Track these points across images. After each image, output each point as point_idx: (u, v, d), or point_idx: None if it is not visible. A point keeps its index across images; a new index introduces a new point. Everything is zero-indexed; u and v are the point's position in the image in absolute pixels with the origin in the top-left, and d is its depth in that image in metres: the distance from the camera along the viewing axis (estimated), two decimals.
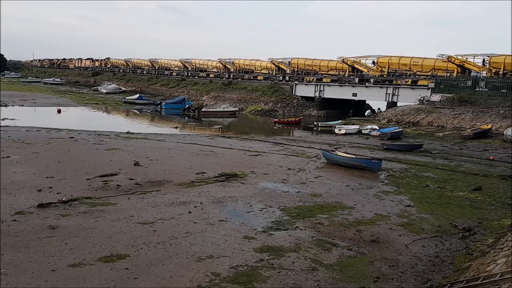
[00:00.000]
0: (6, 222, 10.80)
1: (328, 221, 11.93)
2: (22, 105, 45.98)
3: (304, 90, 51.52)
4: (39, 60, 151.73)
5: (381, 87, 44.62)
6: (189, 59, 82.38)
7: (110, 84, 75.85)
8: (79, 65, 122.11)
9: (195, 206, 12.76)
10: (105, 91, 70.43)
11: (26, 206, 12.14)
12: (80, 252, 9.22)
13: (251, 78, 62.43)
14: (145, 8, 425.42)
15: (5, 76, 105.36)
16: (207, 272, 8.54)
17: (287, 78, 56.21)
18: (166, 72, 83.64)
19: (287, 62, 61.69)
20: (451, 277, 8.55)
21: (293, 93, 52.23)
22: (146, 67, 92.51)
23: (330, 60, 56.08)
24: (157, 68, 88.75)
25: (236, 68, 70.80)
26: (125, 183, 15.04)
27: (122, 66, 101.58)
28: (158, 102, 52.77)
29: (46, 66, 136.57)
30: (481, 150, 25.08)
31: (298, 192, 14.91)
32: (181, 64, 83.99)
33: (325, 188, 15.66)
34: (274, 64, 63.26)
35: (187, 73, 77.32)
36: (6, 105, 43.96)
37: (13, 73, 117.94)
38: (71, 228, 10.66)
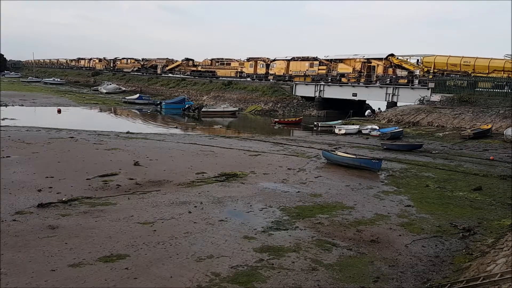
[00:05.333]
0: (6, 222, 10.80)
1: (328, 221, 11.93)
2: (22, 105, 45.97)
3: (304, 90, 51.49)
4: (90, 59, 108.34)
5: (381, 87, 44.60)
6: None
7: (110, 84, 75.70)
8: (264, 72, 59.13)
9: (195, 206, 12.76)
10: (105, 91, 70.36)
11: (26, 206, 12.14)
12: (80, 252, 9.22)
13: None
14: (145, 8, 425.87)
15: (5, 76, 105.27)
16: (207, 272, 8.55)
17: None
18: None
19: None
20: (451, 277, 8.55)
21: (293, 93, 52.19)
22: None
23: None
24: None
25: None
26: (125, 183, 15.04)
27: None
28: (158, 102, 52.76)
29: (132, 71, 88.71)
30: (481, 150, 25.06)
31: (298, 192, 14.91)
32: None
33: (325, 188, 15.66)
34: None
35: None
36: (6, 105, 43.94)
37: (13, 73, 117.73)
38: (71, 228, 10.66)
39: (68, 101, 53.34)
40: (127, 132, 28.19)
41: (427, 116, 34.68)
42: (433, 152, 24.50)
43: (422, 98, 38.82)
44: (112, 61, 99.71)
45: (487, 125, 30.20)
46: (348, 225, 11.68)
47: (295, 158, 21.50)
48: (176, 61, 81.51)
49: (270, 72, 58.07)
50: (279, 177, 17.01)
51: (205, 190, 14.65)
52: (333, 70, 50.33)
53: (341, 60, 50.26)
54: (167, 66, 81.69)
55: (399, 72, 44.80)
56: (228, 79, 62.88)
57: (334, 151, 21.86)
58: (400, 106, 40.79)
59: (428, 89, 39.97)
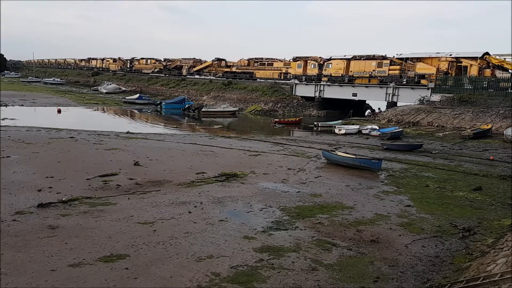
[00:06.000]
0: (6, 222, 10.79)
1: (328, 221, 11.92)
2: (22, 105, 45.97)
3: (304, 90, 51.50)
4: (103, 59, 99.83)
5: (381, 87, 44.59)
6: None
7: (110, 84, 75.72)
8: None
9: (195, 206, 12.76)
10: (105, 91, 70.41)
11: (26, 206, 12.14)
12: (80, 252, 9.22)
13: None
14: (145, 8, 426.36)
15: (5, 76, 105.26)
16: (207, 272, 8.54)
17: None
18: None
19: None
20: (451, 277, 8.55)
21: (293, 93, 52.21)
22: None
23: None
24: None
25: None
26: (125, 183, 15.03)
27: None
28: (158, 102, 52.78)
29: (152, 72, 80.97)
30: (481, 150, 25.06)
31: (298, 192, 14.91)
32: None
33: (325, 188, 15.65)
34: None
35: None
36: (6, 105, 43.95)
37: (13, 73, 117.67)
38: (71, 228, 10.66)
39: (68, 101, 53.34)
40: (127, 132, 28.20)
41: (427, 116, 34.68)
42: (433, 152, 24.50)
43: (422, 98, 38.82)
44: (128, 61, 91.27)
45: (487, 125, 30.19)
46: (348, 225, 11.68)
47: (295, 158, 21.49)
48: (205, 61, 74.34)
49: (324, 73, 49.93)
50: (279, 177, 17.01)
51: (205, 190, 14.64)
52: (409, 70, 43.27)
53: (419, 59, 43.04)
54: (194, 66, 74.18)
55: (499, 74, 37.96)
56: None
57: (334, 151, 21.85)
58: (400, 106, 40.78)
59: (428, 89, 39.98)
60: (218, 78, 65.76)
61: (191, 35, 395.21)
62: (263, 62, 63.92)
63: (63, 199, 12.83)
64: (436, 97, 37.83)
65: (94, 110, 47.30)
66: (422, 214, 12.90)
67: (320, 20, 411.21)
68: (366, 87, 45.95)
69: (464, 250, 10.21)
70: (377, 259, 9.56)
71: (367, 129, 32.43)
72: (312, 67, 52.31)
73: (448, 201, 14.41)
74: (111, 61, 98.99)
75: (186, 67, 75.40)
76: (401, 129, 30.78)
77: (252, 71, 63.43)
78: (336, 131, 32.85)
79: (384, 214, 12.81)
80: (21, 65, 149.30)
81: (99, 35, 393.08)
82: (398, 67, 44.31)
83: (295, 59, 54.77)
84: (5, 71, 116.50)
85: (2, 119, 31.81)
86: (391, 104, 42.49)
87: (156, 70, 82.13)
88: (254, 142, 26.64)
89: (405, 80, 43.16)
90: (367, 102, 51.22)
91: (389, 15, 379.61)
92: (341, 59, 49.21)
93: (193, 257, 9.21)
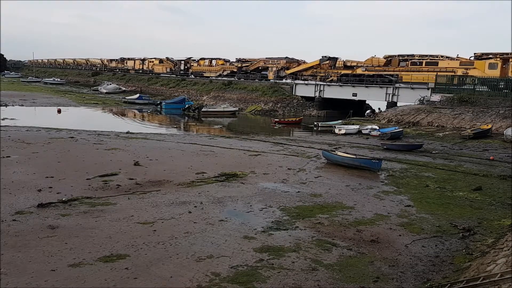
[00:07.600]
0: (6, 222, 10.79)
1: (328, 221, 11.92)
2: (22, 105, 45.97)
3: (304, 90, 51.51)
4: (143, 59, 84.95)
5: (381, 87, 44.58)
6: None
7: (110, 84, 75.73)
8: None
9: (195, 206, 12.76)
10: (105, 91, 70.42)
11: (26, 206, 12.14)
12: (80, 252, 9.22)
13: None
14: (145, 8, 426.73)
15: (5, 76, 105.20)
16: (207, 272, 8.54)
17: None
18: None
19: None
20: (451, 277, 8.55)
21: (293, 93, 52.22)
22: None
23: None
24: None
25: None
26: (125, 183, 15.03)
27: None
28: (158, 102, 52.83)
29: (219, 76, 65.90)
30: (481, 150, 25.06)
31: (298, 192, 14.90)
32: None
33: (325, 188, 15.65)
34: None
35: None
36: (6, 105, 43.96)
37: (13, 73, 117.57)
38: (71, 228, 10.66)
39: (68, 101, 53.33)
40: (127, 132, 28.20)
41: (427, 116, 34.68)
42: (433, 152, 24.50)
43: (422, 98, 38.83)
44: (183, 62, 75.57)
45: (487, 125, 30.20)
46: (348, 225, 11.68)
47: (295, 158, 21.49)
48: (303, 61, 58.55)
49: None
50: (279, 177, 17.01)
51: (205, 190, 14.64)
52: None
53: None
54: (287, 68, 57.66)
55: None
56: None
57: (334, 151, 21.86)
58: (400, 106, 40.79)
59: (428, 89, 39.96)
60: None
61: (191, 35, 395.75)
62: (415, 61, 45.76)
63: (63, 199, 12.83)
64: (436, 97, 37.82)
65: (94, 110, 47.27)
66: (422, 214, 12.90)
67: (320, 20, 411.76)
68: (366, 87, 45.94)
69: (464, 250, 10.22)
70: (377, 259, 9.56)
71: (367, 129, 32.43)
72: None
73: (448, 201, 14.41)
74: (156, 62, 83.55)
75: (275, 69, 59.14)
76: (401, 129, 30.79)
77: (396, 73, 45.85)
78: (336, 131, 32.86)
79: (384, 214, 12.82)
80: (21, 65, 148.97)
81: (99, 35, 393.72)
82: None
83: (481, 57, 40.89)
84: (5, 71, 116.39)
85: (2, 119, 31.81)
86: (391, 104, 42.50)
87: (225, 73, 66.76)
88: (254, 142, 26.64)
89: None
90: (367, 102, 51.23)
91: (389, 15, 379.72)
92: None
93: (193, 257, 9.21)
